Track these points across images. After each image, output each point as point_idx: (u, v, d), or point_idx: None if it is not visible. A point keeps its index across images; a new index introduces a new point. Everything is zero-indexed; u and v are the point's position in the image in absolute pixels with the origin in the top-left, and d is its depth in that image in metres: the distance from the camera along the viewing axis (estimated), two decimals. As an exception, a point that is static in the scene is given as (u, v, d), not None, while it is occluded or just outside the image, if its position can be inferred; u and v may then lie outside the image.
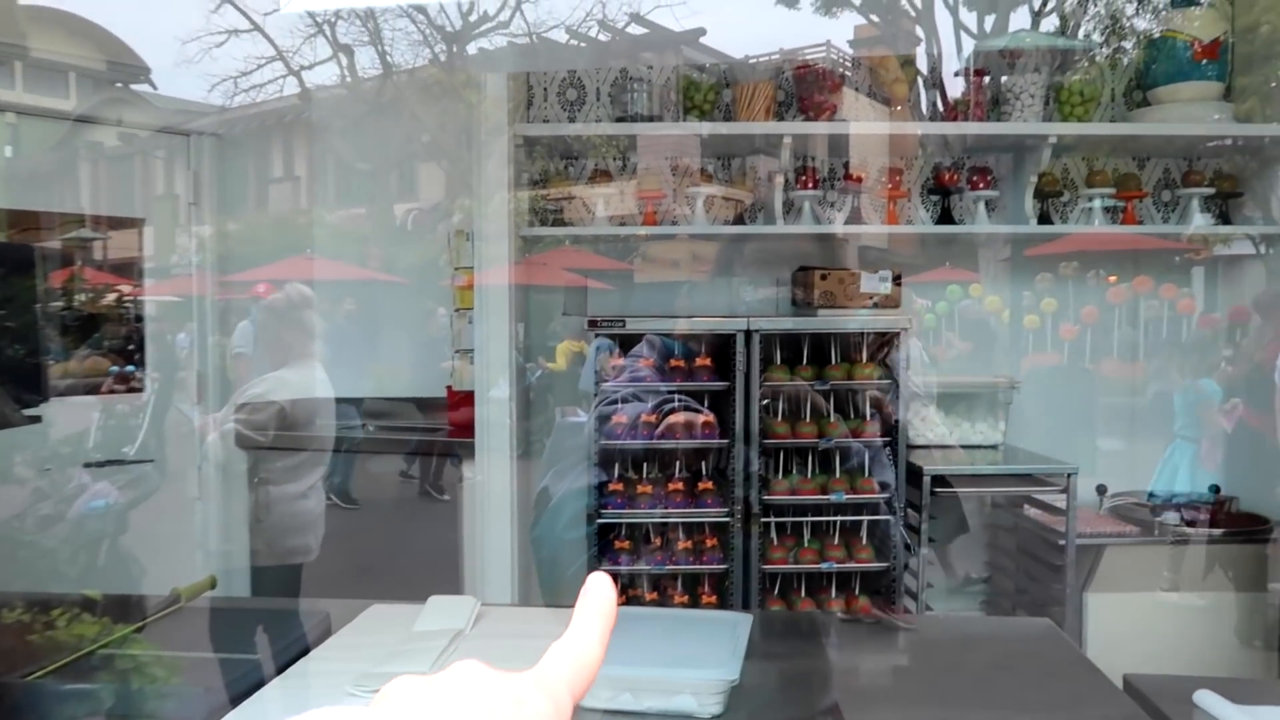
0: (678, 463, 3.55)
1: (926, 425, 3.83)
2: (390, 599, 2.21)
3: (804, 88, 3.85)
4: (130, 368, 3.69)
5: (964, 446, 3.80)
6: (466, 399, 3.58)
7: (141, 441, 3.96)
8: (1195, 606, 3.64)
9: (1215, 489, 4.01)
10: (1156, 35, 3.96)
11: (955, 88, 4.03)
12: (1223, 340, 4.31)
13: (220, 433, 3.51)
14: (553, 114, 4.01)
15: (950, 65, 4.24)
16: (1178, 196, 4.07)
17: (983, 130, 3.81)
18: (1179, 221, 4.05)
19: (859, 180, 3.83)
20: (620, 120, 3.84)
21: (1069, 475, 3.49)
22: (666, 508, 3.49)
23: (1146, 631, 3.55)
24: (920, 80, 4.14)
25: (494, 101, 3.50)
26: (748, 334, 3.47)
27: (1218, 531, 3.62)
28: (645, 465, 3.56)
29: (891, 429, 3.54)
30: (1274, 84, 4.74)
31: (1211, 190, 3.96)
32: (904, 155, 3.98)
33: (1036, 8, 4.58)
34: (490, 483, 3.42)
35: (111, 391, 3.65)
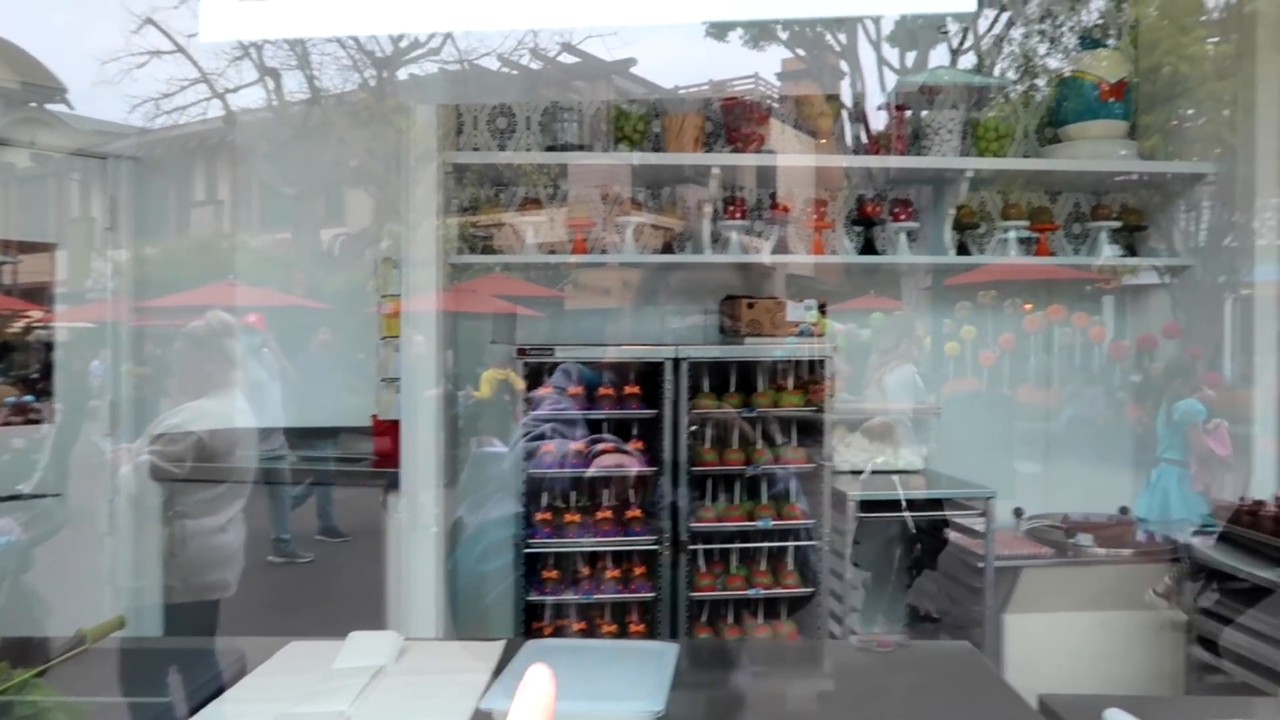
0: (606, 491, 3.54)
1: (852, 451, 3.89)
2: (314, 635, 2.14)
3: (732, 119, 3.90)
4: (29, 398, 3.54)
5: (887, 472, 3.86)
6: (392, 428, 3.52)
7: (42, 476, 3.79)
8: (1109, 625, 3.74)
9: (1124, 510, 4.14)
10: (1067, 75, 4.12)
11: (878, 121, 4.13)
12: (1131, 366, 4.47)
13: (134, 464, 3.38)
14: (483, 142, 4.00)
15: (874, 100, 4.35)
16: (1087, 229, 4.23)
17: (903, 164, 3.92)
18: (1089, 253, 4.20)
19: (785, 210, 3.89)
20: (550, 149, 3.85)
21: (987, 499, 3.57)
22: (594, 536, 3.47)
23: (1063, 651, 3.64)
24: (845, 114, 4.25)
25: (423, 128, 3.47)
26: (676, 362, 3.49)
27: (1127, 552, 3.74)
28: (573, 494, 3.54)
29: (817, 455, 3.59)
30: (1175, 122, 4.97)
31: (1119, 224, 4.12)
32: (829, 187, 4.06)
33: (955, 46, 4.73)
34: (415, 513, 3.36)
35: (8, 424, 3.48)
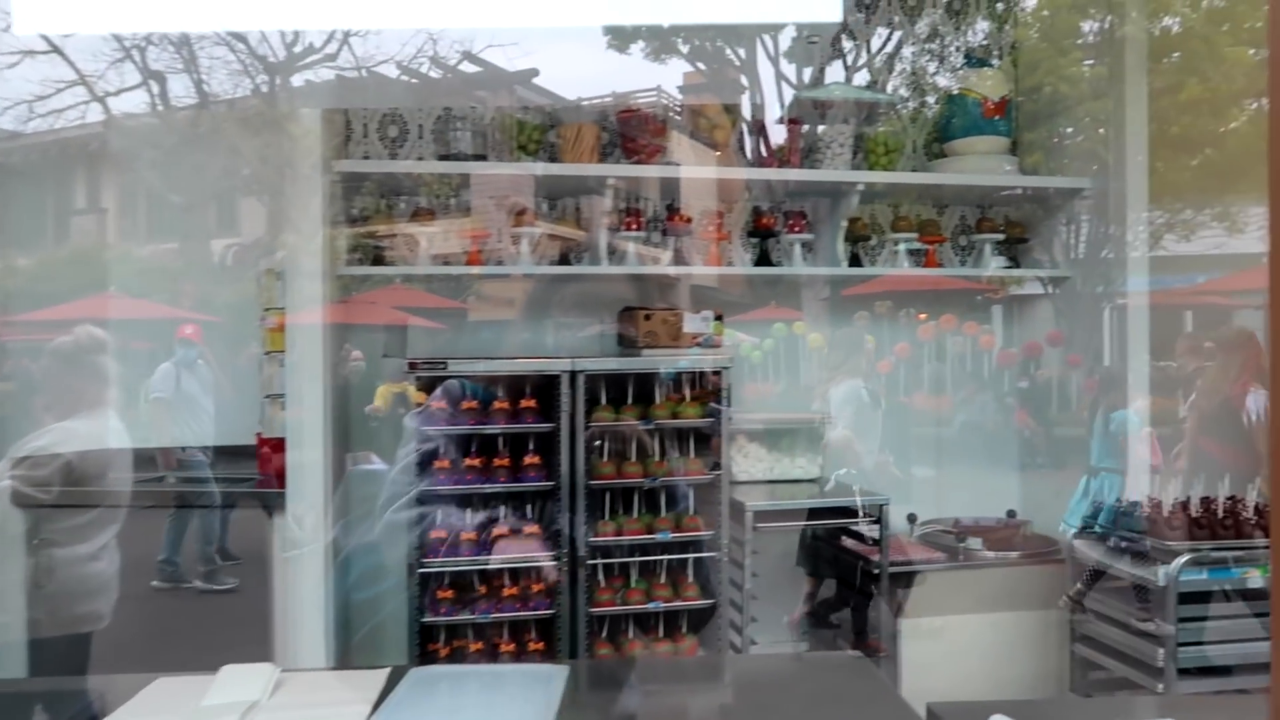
0: (503, 507, 3.46)
1: (750, 461, 3.89)
2: (195, 667, 2.01)
3: (628, 130, 3.88)
4: None
5: (784, 481, 3.88)
6: (278, 447, 3.37)
7: None
8: (1000, 626, 3.82)
9: (1011, 513, 4.26)
10: (954, 93, 4.23)
11: (775, 135, 4.16)
12: (1019, 373, 4.61)
13: (-7, 490, 3.15)
14: (373, 150, 3.88)
15: (772, 114, 4.38)
16: (973, 241, 4.34)
17: (797, 176, 3.96)
18: (974, 264, 4.32)
19: (683, 222, 3.88)
20: (443, 158, 3.76)
21: (881, 506, 3.61)
22: (492, 554, 3.39)
23: (957, 654, 3.71)
24: (743, 127, 4.26)
25: (307, 136, 3.35)
26: (573, 374, 3.44)
27: (1014, 554, 3.84)
28: (469, 511, 3.44)
29: (715, 466, 3.58)
30: (1056, 139, 5.17)
31: (1002, 236, 4.25)
32: (725, 199, 4.07)
33: (850, 63, 4.81)
34: (301, 535, 3.22)
35: None
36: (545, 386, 3.49)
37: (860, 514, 3.57)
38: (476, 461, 3.41)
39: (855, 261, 4.13)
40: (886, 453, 4.24)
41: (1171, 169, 6.79)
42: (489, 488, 3.41)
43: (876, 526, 3.61)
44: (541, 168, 3.69)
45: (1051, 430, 4.64)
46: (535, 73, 5.08)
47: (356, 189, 3.78)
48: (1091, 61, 5.84)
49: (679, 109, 4.18)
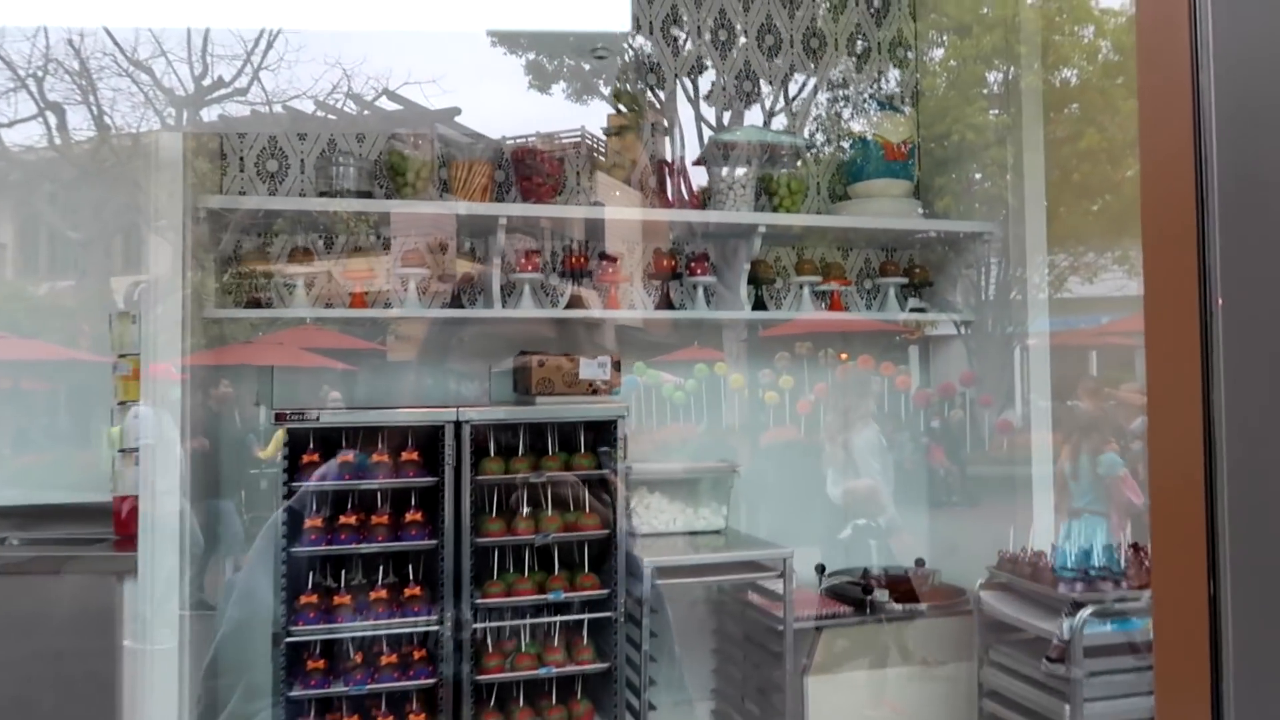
0: (381, 568, 3.19)
1: (651, 513, 3.69)
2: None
3: (523, 169, 3.69)
4: None
5: (687, 533, 3.69)
6: (132, 504, 3.05)
7: None
8: (909, 681, 3.67)
9: (920, 562, 4.13)
10: (863, 137, 4.16)
11: (680, 177, 4.03)
12: (934, 412, 4.54)
13: None
14: (251, 185, 3.62)
15: (689, 155, 4.26)
16: (878, 284, 4.25)
17: (700, 218, 3.82)
18: (880, 307, 4.22)
19: (581, 263, 3.70)
20: (324, 194, 3.51)
21: (785, 560, 3.43)
22: (368, 619, 3.10)
23: (865, 711, 3.53)
24: (657, 168, 4.11)
25: (167, 169, 3.08)
26: (458, 425, 3.20)
27: (922, 606, 3.69)
28: (343, 572, 3.16)
29: (612, 520, 3.36)
30: (964, 184, 5.16)
31: (905, 280, 4.16)
32: (627, 240, 3.90)
33: (768, 108, 4.73)
34: (152, 606, 2.90)
35: None
36: (431, 437, 3.24)
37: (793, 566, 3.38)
38: (352, 519, 3.14)
39: (760, 304, 4.00)
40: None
41: (1074, 214, 6.89)
42: (366, 547, 3.14)
43: (780, 581, 3.43)
44: (426, 205, 3.48)
45: (965, 469, 4.59)
46: (457, 111, 4.90)
47: (226, 226, 3.50)
48: (996, 111, 5.91)
49: (602, 149, 4.03)
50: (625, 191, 3.89)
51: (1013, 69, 6.25)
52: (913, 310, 4.22)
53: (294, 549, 3.06)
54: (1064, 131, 6.71)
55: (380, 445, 3.21)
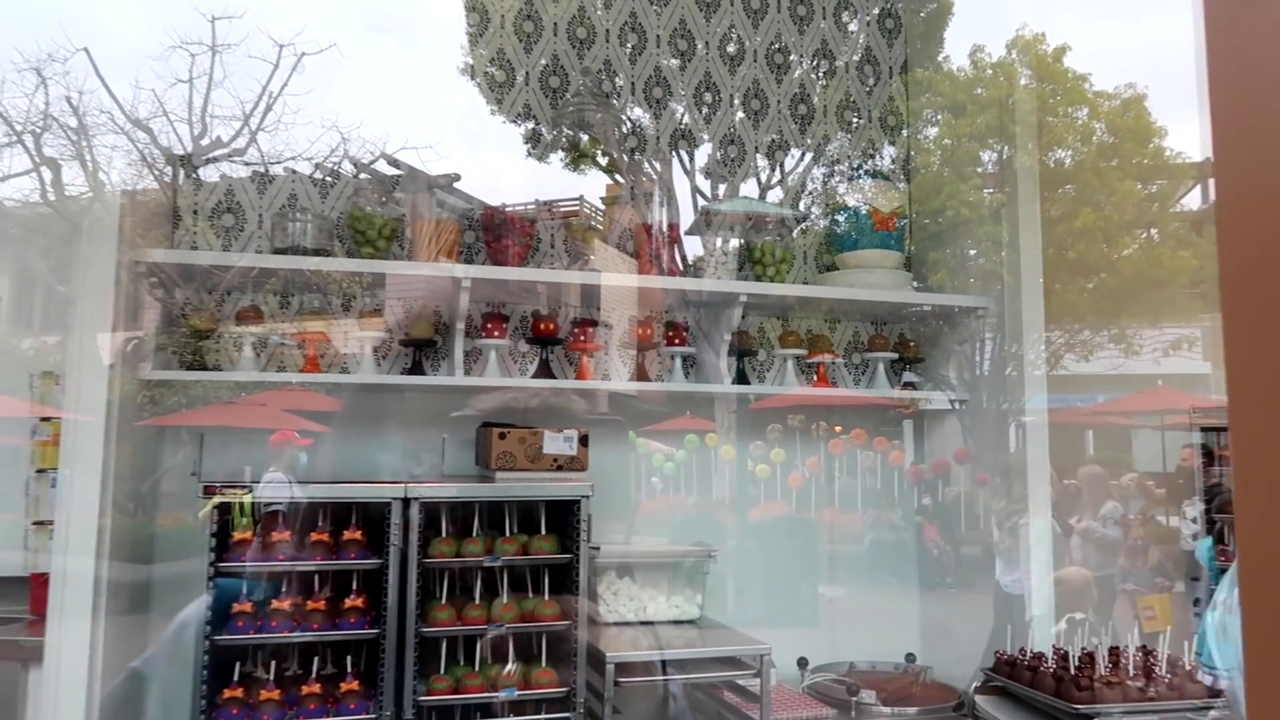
0: (316, 658, 2.85)
1: (619, 600, 3.35)
2: None
3: (491, 232, 3.46)
4: None
5: (658, 623, 3.35)
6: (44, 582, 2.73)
7: None
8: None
9: (910, 657, 3.78)
10: (853, 207, 3.96)
11: (691, 248, 3.85)
12: (927, 489, 4.29)
13: None
14: (204, 240, 3.37)
15: (682, 226, 4.06)
16: (867, 359, 3.99)
17: (671, 285, 3.56)
18: (869, 383, 3.96)
19: (550, 330, 3.43)
20: (279, 251, 3.26)
21: (762, 657, 3.09)
22: (300, 717, 2.76)
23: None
24: (636, 235, 3.90)
25: (102, 223, 2.83)
26: (406, 501, 2.89)
27: (912, 710, 3.33)
28: (274, 663, 2.82)
29: (574, 608, 3.03)
30: (958, 259, 4.96)
31: (895, 355, 3.91)
32: (604, 307, 3.65)
33: (763, 181, 4.58)
34: (56, 694, 2.56)
35: None
36: (378, 515, 2.93)
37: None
38: (286, 604, 2.81)
39: (743, 376, 3.73)
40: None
41: (1069, 291, 6.71)
42: (299, 636, 2.80)
43: (756, 680, 3.08)
44: (385, 265, 3.22)
45: (959, 549, 4.31)
46: (457, 177, 4.75)
47: (171, 282, 3.25)
48: (991, 190, 5.77)
49: (600, 219, 3.82)
50: (609, 256, 3.65)
51: (1007, 148, 6.12)
52: (905, 385, 3.95)
53: (218, 637, 2.72)
54: (1059, 210, 6.57)
55: (321, 523, 2.90)
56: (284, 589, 2.85)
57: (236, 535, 2.79)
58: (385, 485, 2.93)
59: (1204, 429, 4.34)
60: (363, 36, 4.42)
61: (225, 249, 3.37)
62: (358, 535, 2.88)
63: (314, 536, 2.85)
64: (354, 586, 2.89)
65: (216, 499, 2.74)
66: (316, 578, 2.87)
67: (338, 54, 4.42)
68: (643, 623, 3.36)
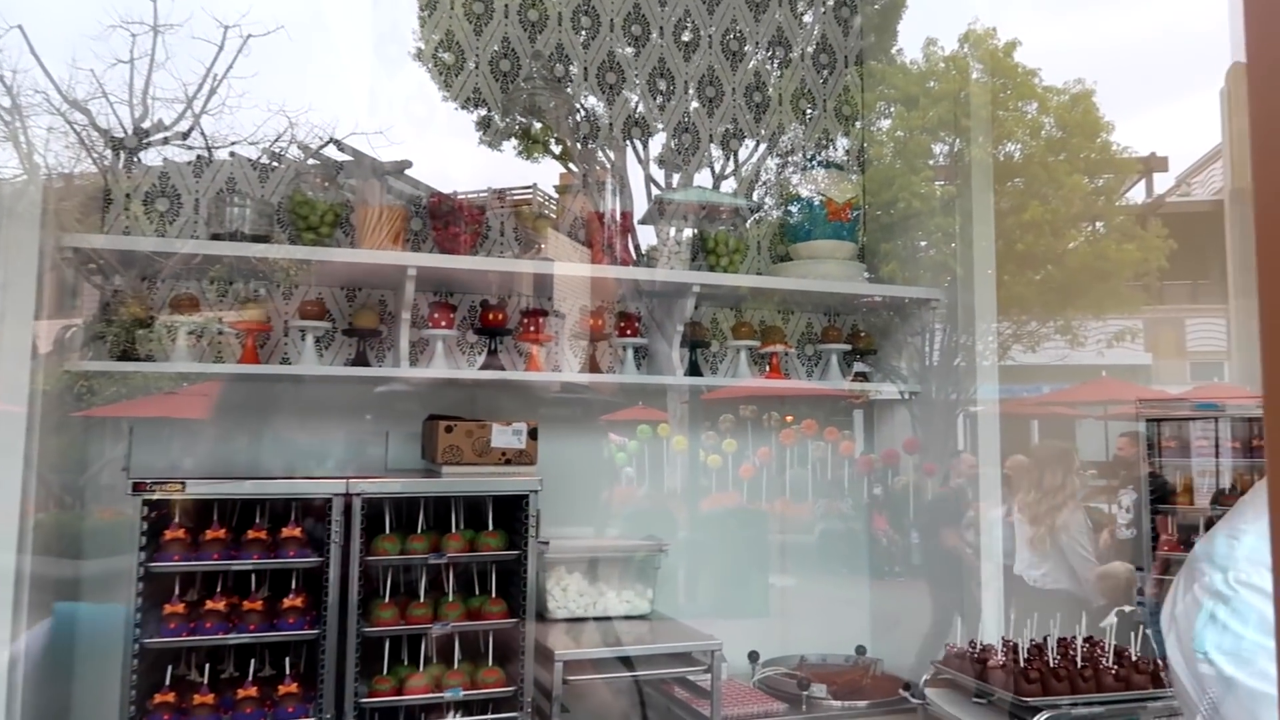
0: (254, 660, 2.72)
1: (568, 596, 3.27)
2: None
3: (439, 219, 3.34)
4: None
5: (608, 619, 3.27)
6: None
7: None
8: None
9: (861, 649, 3.75)
10: (807, 197, 3.90)
11: (646, 238, 3.77)
12: (877, 479, 4.27)
13: None
14: (138, 225, 3.21)
15: (636, 215, 3.98)
16: (820, 351, 3.95)
17: (625, 274, 3.48)
18: (822, 374, 3.92)
19: (498, 321, 3.33)
20: (217, 237, 3.11)
21: (713, 653, 3.03)
22: (234, 720, 2.63)
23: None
24: (588, 224, 3.81)
25: (32, 206, 2.67)
26: (348, 497, 2.78)
27: (862, 704, 3.30)
28: (208, 665, 2.70)
29: (522, 605, 2.94)
30: (910, 251, 4.95)
31: (849, 347, 3.87)
32: (550, 297, 3.55)
33: (718, 171, 4.52)
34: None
35: None
36: (319, 511, 2.81)
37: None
38: (221, 604, 2.68)
39: (695, 367, 3.66)
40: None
41: (1017, 283, 6.77)
42: (235, 638, 2.68)
43: (707, 676, 3.02)
44: (331, 252, 3.09)
45: (909, 539, 4.31)
46: (408, 164, 4.62)
47: (103, 270, 3.09)
48: (943, 182, 5.78)
49: (553, 207, 3.71)
50: (561, 244, 3.55)
51: (959, 141, 6.13)
52: (857, 375, 3.92)
53: (148, 640, 2.59)
54: (1008, 203, 6.61)
55: (259, 520, 2.77)
56: (219, 589, 2.72)
57: (168, 534, 2.66)
58: (326, 481, 2.81)
59: (1149, 420, 4.38)
60: (311, 19, 4.25)
61: (159, 234, 3.21)
62: (297, 533, 2.76)
63: (251, 534, 2.73)
64: (293, 585, 2.77)
65: (143, 496, 2.60)
66: (254, 576, 2.74)
67: (285, 36, 4.24)
68: (593, 619, 3.28)
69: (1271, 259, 0.42)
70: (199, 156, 3.72)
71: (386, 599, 2.83)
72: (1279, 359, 0.43)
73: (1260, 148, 0.43)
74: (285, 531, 2.75)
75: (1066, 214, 7.16)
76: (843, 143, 4.38)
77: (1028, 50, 6.77)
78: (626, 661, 3.08)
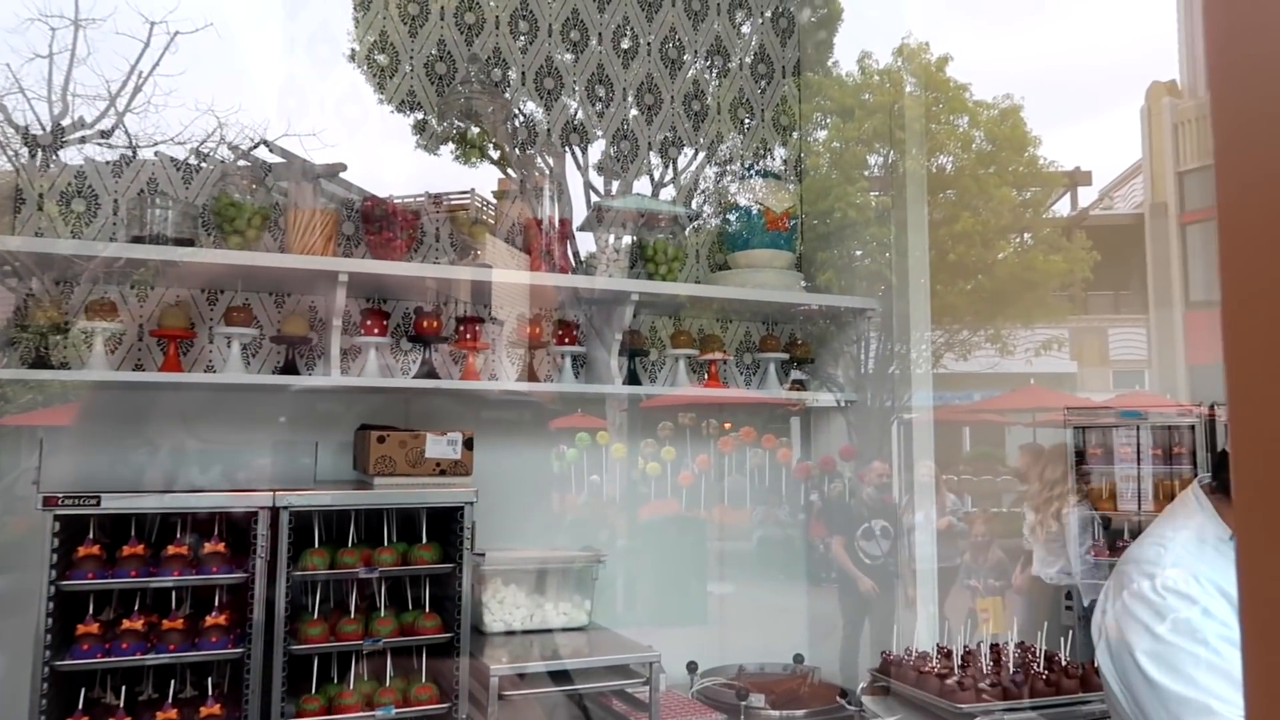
0: (174, 681, 2.60)
1: (504, 609, 3.21)
2: None
3: (372, 223, 3.25)
4: None
5: (545, 631, 3.22)
6: None
7: None
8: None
9: (799, 658, 3.76)
10: (745, 206, 3.90)
11: (585, 245, 3.72)
12: (814, 486, 4.30)
13: None
14: (51, 227, 3.06)
15: (575, 222, 3.94)
16: (758, 359, 3.95)
17: (564, 282, 3.43)
18: (760, 383, 3.92)
19: (433, 328, 3.25)
20: (138, 240, 2.98)
21: (651, 664, 3.00)
22: (152, 745, 2.51)
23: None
24: (525, 230, 3.75)
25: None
26: (274, 510, 2.67)
27: (800, 714, 3.29)
28: (124, 686, 2.57)
29: (457, 620, 2.87)
30: (845, 260, 5.00)
31: (786, 356, 3.88)
32: (488, 305, 3.49)
33: (657, 179, 4.50)
34: None
35: None
36: (245, 525, 2.70)
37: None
38: (139, 623, 2.56)
39: (634, 376, 3.62)
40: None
41: (949, 292, 6.91)
42: (153, 659, 2.55)
43: (645, 688, 2.98)
44: (257, 257, 2.98)
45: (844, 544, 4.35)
46: (342, 167, 4.50)
47: (14, 273, 2.93)
48: (878, 193, 5.86)
49: (492, 212, 3.63)
50: (499, 251, 3.49)
51: (893, 153, 6.22)
52: (794, 384, 3.93)
53: (59, 663, 2.45)
54: (941, 214, 6.74)
55: (180, 535, 2.65)
56: (137, 607, 2.59)
57: (82, 550, 2.52)
58: (252, 493, 2.70)
59: (1075, 427, 4.48)
60: (242, 17, 4.12)
61: (75, 236, 3.06)
62: (220, 548, 2.64)
63: (171, 550, 2.61)
64: (217, 603, 2.66)
65: (55, 512, 2.46)
66: (174, 594, 2.62)
67: (214, 34, 4.10)
68: (529, 631, 3.22)
69: (1236, 281, 0.40)
70: (121, 156, 3.57)
71: (315, 615, 2.73)
72: (1242, 362, 0.41)
73: (1223, 151, 0.41)
74: (208, 547, 2.64)
75: (996, 225, 7.34)
76: (780, 152, 4.40)
77: (959, 66, 6.92)
78: (564, 675, 3.02)
